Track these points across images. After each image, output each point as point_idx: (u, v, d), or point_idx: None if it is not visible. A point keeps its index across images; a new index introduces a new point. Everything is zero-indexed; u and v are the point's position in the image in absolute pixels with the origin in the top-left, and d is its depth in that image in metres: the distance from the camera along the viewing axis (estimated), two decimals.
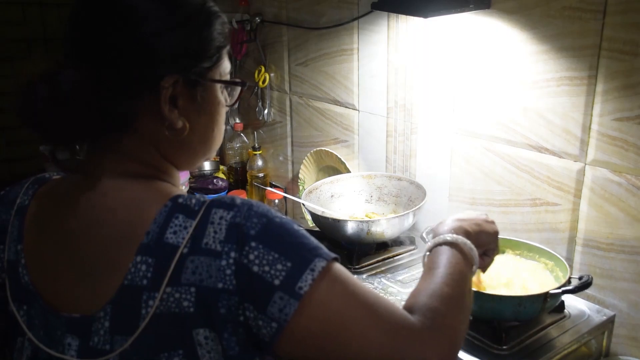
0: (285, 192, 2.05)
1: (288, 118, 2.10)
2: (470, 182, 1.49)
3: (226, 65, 0.79)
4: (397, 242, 1.49)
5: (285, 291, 0.65)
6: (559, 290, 1.10)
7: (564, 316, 1.19)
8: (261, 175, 2.20)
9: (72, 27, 0.74)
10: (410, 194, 1.60)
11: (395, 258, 1.47)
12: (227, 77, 0.80)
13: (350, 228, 1.41)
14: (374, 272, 1.40)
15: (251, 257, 0.65)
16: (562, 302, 1.19)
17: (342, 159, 1.84)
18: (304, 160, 1.98)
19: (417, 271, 1.39)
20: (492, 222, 1.01)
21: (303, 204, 1.59)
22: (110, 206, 0.72)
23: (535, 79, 1.29)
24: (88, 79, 0.70)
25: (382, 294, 1.28)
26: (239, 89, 0.81)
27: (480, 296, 1.10)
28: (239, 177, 2.33)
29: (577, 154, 1.25)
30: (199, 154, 0.82)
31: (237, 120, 2.31)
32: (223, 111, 0.81)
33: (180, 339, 0.67)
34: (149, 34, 0.71)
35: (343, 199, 1.67)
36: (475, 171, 1.47)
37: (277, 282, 0.65)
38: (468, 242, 0.89)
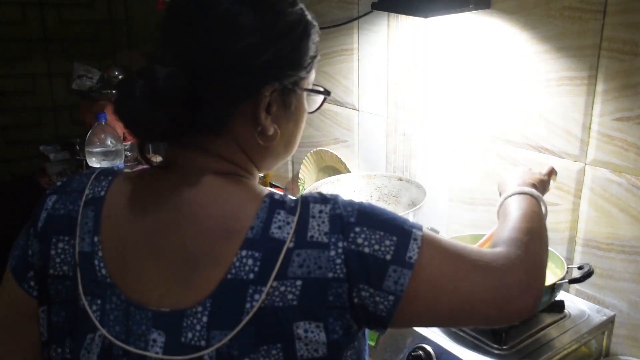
0: (285, 192, 2.05)
1: None
2: (470, 182, 1.49)
3: (314, 74, 0.82)
4: None
5: (398, 264, 0.69)
6: (565, 281, 1.11)
7: (564, 316, 1.19)
8: (261, 175, 2.20)
9: (173, 26, 0.74)
10: (410, 194, 1.60)
11: None
12: (312, 85, 0.83)
13: None
14: None
15: (359, 240, 0.69)
16: (562, 302, 1.19)
17: (342, 159, 1.84)
18: (304, 160, 1.98)
19: None
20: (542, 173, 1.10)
21: None
22: (206, 202, 0.72)
23: (535, 79, 1.29)
24: (190, 80, 0.70)
25: None
26: (322, 97, 0.83)
27: None
28: None
29: (577, 154, 1.25)
30: (281, 157, 0.84)
31: None
32: (305, 118, 0.84)
33: (281, 332, 0.68)
34: (252, 44, 0.71)
35: None
36: (475, 171, 1.47)
37: (389, 257, 0.69)
38: (535, 191, 0.96)
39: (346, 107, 1.83)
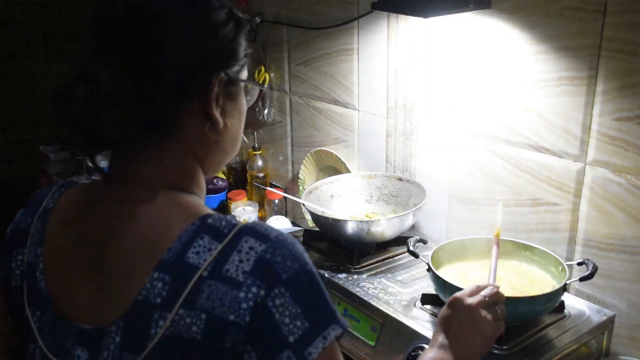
0: (285, 192, 2.05)
1: (288, 118, 2.10)
2: (470, 182, 1.49)
3: (246, 72, 0.82)
4: (397, 242, 1.49)
5: (295, 352, 0.63)
6: (577, 279, 1.13)
7: (564, 316, 1.19)
8: (261, 175, 2.20)
9: (107, 28, 0.72)
10: (410, 194, 1.60)
11: (395, 258, 1.47)
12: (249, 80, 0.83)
13: (350, 228, 1.41)
14: (374, 272, 1.40)
15: (277, 302, 0.63)
16: (562, 302, 1.19)
17: (342, 159, 1.84)
18: (304, 160, 1.98)
19: (417, 271, 1.39)
20: (492, 333, 0.94)
21: (303, 204, 1.59)
22: (137, 216, 0.70)
23: (535, 79, 1.29)
24: (132, 79, 0.68)
25: (381, 295, 1.28)
26: (257, 91, 0.83)
27: (514, 301, 1.09)
28: (239, 177, 2.33)
29: (577, 154, 1.25)
30: (228, 155, 0.83)
31: None
32: (245, 112, 0.83)
33: None
34: (191, 37, 0.71)
35: (343, 199, 1.67)
36: (475, 171, 1.47)
37: (291, 339, 0.63)
38: None
39: (346, 107, 1.83)
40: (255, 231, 0.66)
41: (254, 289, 0.63)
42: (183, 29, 0.71)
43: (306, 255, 0.68)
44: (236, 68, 0.76)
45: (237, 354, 0.64)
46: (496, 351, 1.08)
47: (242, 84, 0.79)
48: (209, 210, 0.71)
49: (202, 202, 0.75)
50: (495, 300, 0.95)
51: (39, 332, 0.72)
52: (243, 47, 0.77)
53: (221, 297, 0.63)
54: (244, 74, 0.79)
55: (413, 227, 1.52)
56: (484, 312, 0.93)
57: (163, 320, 0.64)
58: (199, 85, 0.72)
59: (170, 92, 0.70)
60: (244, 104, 0.81)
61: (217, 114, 0.74)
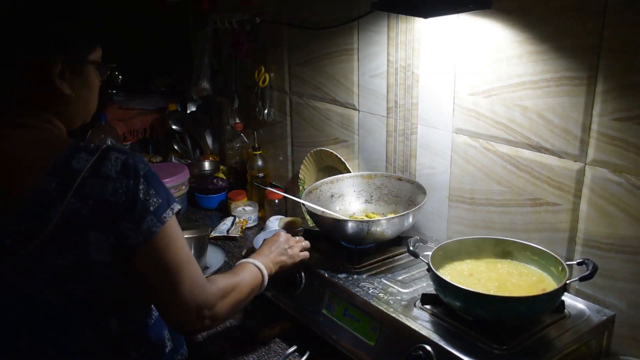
0: (285, 192, 2.05)
1: (288, 118, 2.10)
2: (470, 182, 1.49)
3: (99, 52, 1.11)
4: (397, 242, 1.49)
5: (155, 216, 0.99)
6: (577, 279, 1.13)
7: (564, 316, 1.19)
8: (261, 175, 2.20)
9: None
10: (410, 194, 1.60)
11: (395, 258, 1.47)
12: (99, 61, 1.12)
13: (350, 228, 1.41)
14: (374, 272, 1.40)
15: (140, 187, 0.98)
16: (562, 302, 1.19)
17: (342, 159, 1.84)
18: (304, 160, 1.97)
19: (417, 271, 1.39)
20: (294, 252, 1.41)
21: (303, 204, 1.59)
22: (15, 145, 1.01)
23: (535, 79, 1.29)
24: None
25: (381, 295, 1.28)
26: (107, 69, 1.14)
27: (515, 301, 1.10)
28: (239, 177, 2.33)
29: (577, 154, 1.25)
30: (81, 115, 1.12)
31: (237, 120, 2.31)
32: (98, 83, 1.13)
33: (78, 239, 0.95)
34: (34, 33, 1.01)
35: (343, 199, 1.67)
36: (475, 171, 1.47)
37: (152, 208, 0.99)
38: (266, 276, 1.29)
39: (346, 107, 1.83)
40: (117, 148, 1.00)
41: (125, 181, 0.96)
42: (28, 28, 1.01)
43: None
44: (77, 54, 1.05)
45: (116, 226, 0.97)
46: (496, 351, 1.08)
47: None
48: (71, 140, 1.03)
49: (64, 137, 1.06)
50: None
51: None
52: (81, 38, 1.07)
53: (101, 188, 0.95)
54: (95, 56, 1.09)
55: (413, 227, 1.52)
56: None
57: (60, 206, 0.94)
58: (40, 64, 1.01)
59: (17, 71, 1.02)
60: (93, 79, 1.10)
61: (61, 85, 1.03)
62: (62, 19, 1.06)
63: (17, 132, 1.02)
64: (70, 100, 1.06)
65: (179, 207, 1.05)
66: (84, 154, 0.98)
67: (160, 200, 1.00)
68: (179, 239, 1.04)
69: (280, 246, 1.38)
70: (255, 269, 1.27)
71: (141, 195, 0.97)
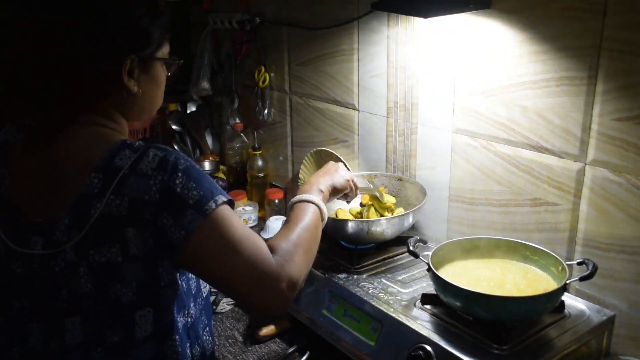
0: (285, 192, 2.05)
1: (288, 118, 2.10)
2: (470, 182, 1.49)
3: (167, 47, 1.10)
4: (397, 242, 1.49)
5: (195, 209, 0.93)
6: (577, 278, 1.13)
7: (564, 316, 1.19)
8: (261, 175, 2.20)
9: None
10: (410, 194, 1.60)
11: (395, 258, 1.47)
12: (167, 57, 1.11)
13: (350, 228, 1.41)
14: (374, 272, 1.40)
15: (177, 182, 0.93)
16: (562, 302, 1.19)
17: (342, 159, 1.84)
18: (304, 160, 1.97)
19: (417, 271, 1.39)
20: (345, 173, 1.34)
21: None
22: (76, 141, 1.01)
23: (535, 79, 1.29)
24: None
25: (381, 295, 1.28)
26: (175, 65, 1.12)
27: (515, 301, 1.10)
28: (239, 177, 2.33)
29: (577, 154, 1.25)
30: (146, 111, 1.11)
31: (237, 120, 2.31)
32: (164, 79, 1.11)
33: (116, 234, 0.93)
34: (117, 27, 0.98)
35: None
36: (475, 171, 1.47)
37: (191, 202, 0.93)
38: (321, 202, 1.19)
39: (346, 107, 1.83)
40: (157, 147, 0.97)
41: (159, 177, 0.93)
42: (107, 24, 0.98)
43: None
44: (149, 51, 1.04)
45: (156, 222, 0.93)
46: (496, 351, 1.08)
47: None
48: (125, 138, 1.02)
49: (121, 135, 1.04)
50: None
51: (3, 229, 0.97)
52: (157, 34, 1.04)
53: (137, 186, 0.93)
54: (163, 52, 1.08)
55: (413, 227, 1.52)
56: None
57: (100, 204, 0.93)
58: (115, 62, 1.00)
59: (93, 68, 1.00)
60: (160, 75, 1.09)
61: (129, 83, 1.02)
62: (144, 17, 1.02)
63: (79, 130, 1.01)
64: (136, 97, 1.04)
65: (225, 199, 0.97)
66: (128, 151, 0.96)
67: (202, 193, 0.94)
68: (226, 228, 0.96)
69: (329, 170, 1.33)
70: (307, 206, 1.17)
71: (178, 190, 0.93)
